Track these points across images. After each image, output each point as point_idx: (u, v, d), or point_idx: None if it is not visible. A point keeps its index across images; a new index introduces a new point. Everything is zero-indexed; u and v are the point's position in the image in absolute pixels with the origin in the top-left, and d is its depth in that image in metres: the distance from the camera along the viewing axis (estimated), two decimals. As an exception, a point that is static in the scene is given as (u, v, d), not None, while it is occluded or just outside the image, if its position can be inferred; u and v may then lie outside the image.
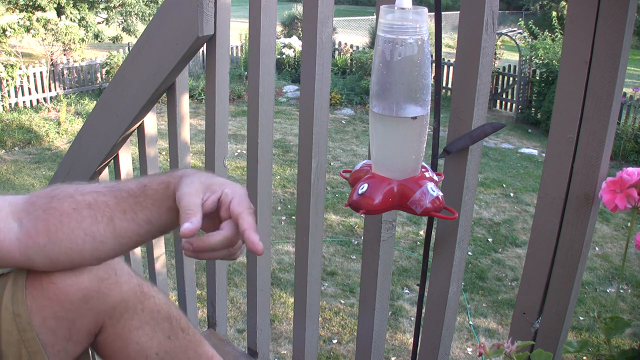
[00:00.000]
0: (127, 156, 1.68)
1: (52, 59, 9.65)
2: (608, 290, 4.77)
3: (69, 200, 0.76)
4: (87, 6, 11.60)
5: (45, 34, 9.57)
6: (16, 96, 9.16)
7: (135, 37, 11.89)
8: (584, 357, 0.76)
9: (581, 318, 4.32)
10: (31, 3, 10.74)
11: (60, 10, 11.24)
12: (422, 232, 5.59)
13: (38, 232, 0.74)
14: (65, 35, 9.63)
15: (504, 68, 10.34)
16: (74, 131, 8.18)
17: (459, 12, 0.88)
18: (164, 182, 0.76)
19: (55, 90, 9.75)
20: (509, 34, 13.30)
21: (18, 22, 9.41)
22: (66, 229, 0.74)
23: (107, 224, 0.75)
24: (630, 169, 0.70)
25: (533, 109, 9.74)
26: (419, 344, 1.06)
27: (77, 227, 0.75)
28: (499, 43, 11.16)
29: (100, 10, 12.37)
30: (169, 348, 0.88)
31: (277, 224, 5.61)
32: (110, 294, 0.80)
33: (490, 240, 5.57)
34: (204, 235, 0.71)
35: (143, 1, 12.40)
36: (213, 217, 0.74)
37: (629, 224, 5.80)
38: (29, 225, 0.75)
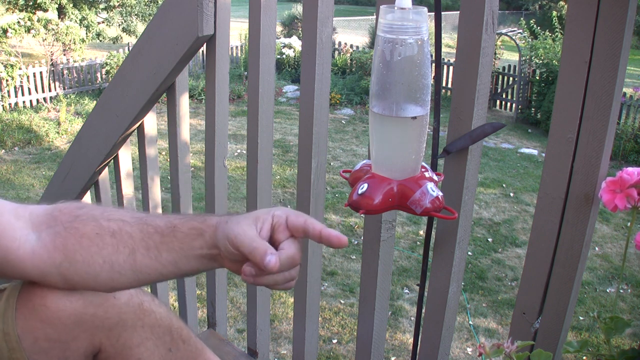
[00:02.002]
0: (127, 156, 1.68)
1: (52, 59, 9.65)
2: (608, 290, 4.77)
3: (92, 224, 0.74)
4: (87, 6, 11.60)
5: (46, 34, 9.57)
6: (16, 96, 9.16)
7: (135, 37, 11.88)
8: (584, 357, 0.76)
9: (581, 318, 4.32)
10: (31, 3, 10.73)
11: (61, 11, 11.24)
12: (422, 232, 5.59)
13: (55, 248, 0.73)
14: (66, 35, 9.63)
15: (504, 68, 10.34)
16: (74, 131, 8.18)
17: (459, 12, 0.88)
18: (196, 228, 0.74)
19: (55, 90, 9.75)
20: (509, 34, 13.30)
21: (19, 22, 9.40)
22: (85, 252, 0.73)
23: (128, 256, 0.74)
24: (630, 168, 0.70)
25: (533, 109, 9.74)
26: (419, 343, 1.06)
27: (96, 252, 0.73)
28: (499, 43, 11.16)
29: (100, 10, 12.37)
30: None
31: (277, 224, 5.60)
32: (106, 317, 0.79)
33: (490, 240, 5.57)
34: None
35: (143, 1, 12.39)
36: (243, 259, 0.72)
37: (629, 224, 5.80)
38: (48, 240, 0.73)
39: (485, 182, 6.93)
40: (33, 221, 0.75)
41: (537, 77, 9.70)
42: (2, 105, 8.87)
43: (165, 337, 0.87)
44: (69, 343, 0.77)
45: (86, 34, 11.04)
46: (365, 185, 0.76)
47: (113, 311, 0.79)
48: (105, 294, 0.79)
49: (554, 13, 10.93)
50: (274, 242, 0.71)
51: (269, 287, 0.73)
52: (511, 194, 6.68)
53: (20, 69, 9.06)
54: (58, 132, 8.26)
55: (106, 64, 10.12)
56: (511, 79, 10.16)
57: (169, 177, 1.54)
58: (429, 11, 0.76)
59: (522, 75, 9.93)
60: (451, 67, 10.26)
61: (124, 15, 12.41)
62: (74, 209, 0.77)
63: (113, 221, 0.75)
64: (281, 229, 0.71)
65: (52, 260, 0.73)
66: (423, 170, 0.79)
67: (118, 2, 12.08)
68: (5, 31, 9.19)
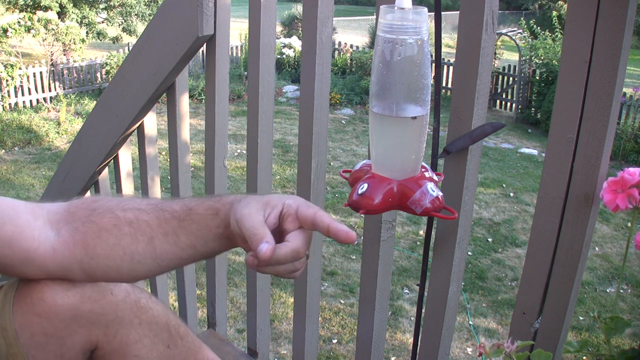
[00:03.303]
0: (127, 156, 1.69)
1: (52, 59, 9.65)
2: (608, 290, 4.77)
3: (109, 216, 0.75)
4: (87, 6, 11.60)
5: (46, 34, 9.57)
6: (16, 96, 9.16)
7: (135, 37, 11.87)
8: (584, 357, 0.76)
9: (581, 318, 4.32)
10: (31, 3, 10.73)
11: (61, 11, 11.23)
12: (422, 232, 5.59)
13: (75, 243, 0.73)
14: (66, 35, 9.62)
15: (504, 68, 10.34)
16: (74, 131, 8.18)
17: (459, 12, 0.88)
18: (211, 207, 0.75)
19: (55, 90, 9.75)
20: (509, 34, 13.30)
21: (19, 22, 9.41)
22: (105, 245, 0.73)
23: (147, 244, 0.74)
24: (631, 169, 0.70)
25: (533, 109, 9.74)
26: (419, 343, 1.06)
27: (116, 244, 0.74)
28: (499, 43, 11.16)
29: (100, 10, 12.37)
30: (169, 357, 0.87)
31: (277, 224, 5.60)
32: (103, 313, 0.79)
33: (490, 240, 5.57)
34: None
35: (143, 1, 12.39)
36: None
37: (629, 224, 5.80)
38: (67, 236, 0.74)
39: (485, 182, 6.93)
40: (51, 219, 0.75)
41: (537, 77, 9.69)
42: (2, 105, 8.87)
43: (162, 334, 0.87)
44: (66, 338, 0.77)
45: (86, 33, 11.03)
46: (365, 185, 0.76)
47: (110, 308, 0.79)
48: (103, 290, 0.79)
49: (554, 13, 10.93)
50: (282, 231, 0.71)
51: (272, 274, 0.73)
52: (511, 194, 6.68)
53: (20, 69, 9.05)
54: (58, 132, 8.26)
55: (106, 64, 10.12)
56: (511, 79, 10.16)
57: (169, 177, 1.54)
58: (429, 11, 0.76)
59: (522, 75, 9.93)
60: (451, 67, 10.26)
61: (124, 15, 12.41)
62: (90, 203, 0.77)
63: (129, 211, 0.76)
64: (290, 219, 0.71)
65: (73, 256, 0.73)
66: (423, 170, 0.79)
67: (118, 2, 12.07)
68: (5, 31, 9.18)
